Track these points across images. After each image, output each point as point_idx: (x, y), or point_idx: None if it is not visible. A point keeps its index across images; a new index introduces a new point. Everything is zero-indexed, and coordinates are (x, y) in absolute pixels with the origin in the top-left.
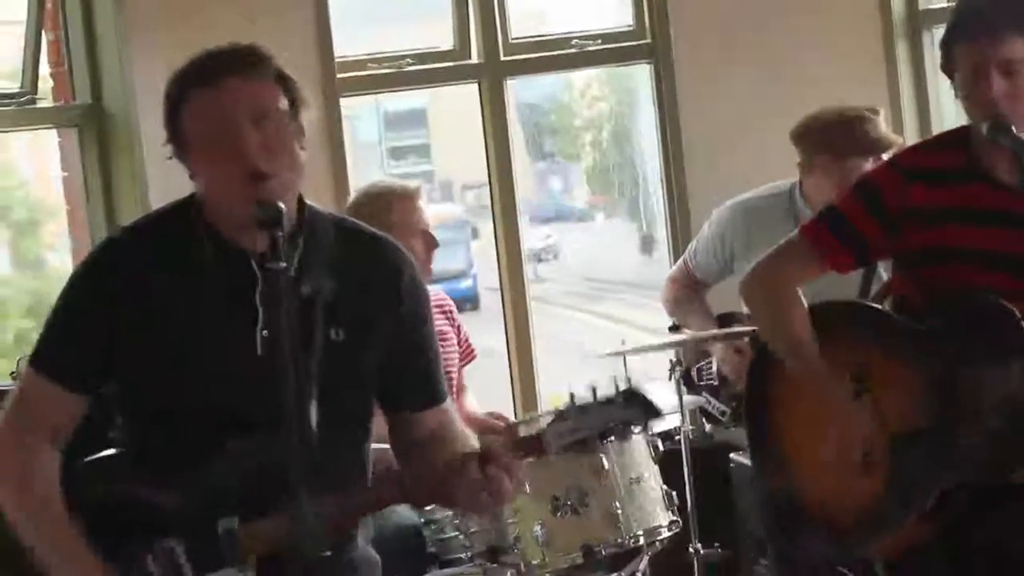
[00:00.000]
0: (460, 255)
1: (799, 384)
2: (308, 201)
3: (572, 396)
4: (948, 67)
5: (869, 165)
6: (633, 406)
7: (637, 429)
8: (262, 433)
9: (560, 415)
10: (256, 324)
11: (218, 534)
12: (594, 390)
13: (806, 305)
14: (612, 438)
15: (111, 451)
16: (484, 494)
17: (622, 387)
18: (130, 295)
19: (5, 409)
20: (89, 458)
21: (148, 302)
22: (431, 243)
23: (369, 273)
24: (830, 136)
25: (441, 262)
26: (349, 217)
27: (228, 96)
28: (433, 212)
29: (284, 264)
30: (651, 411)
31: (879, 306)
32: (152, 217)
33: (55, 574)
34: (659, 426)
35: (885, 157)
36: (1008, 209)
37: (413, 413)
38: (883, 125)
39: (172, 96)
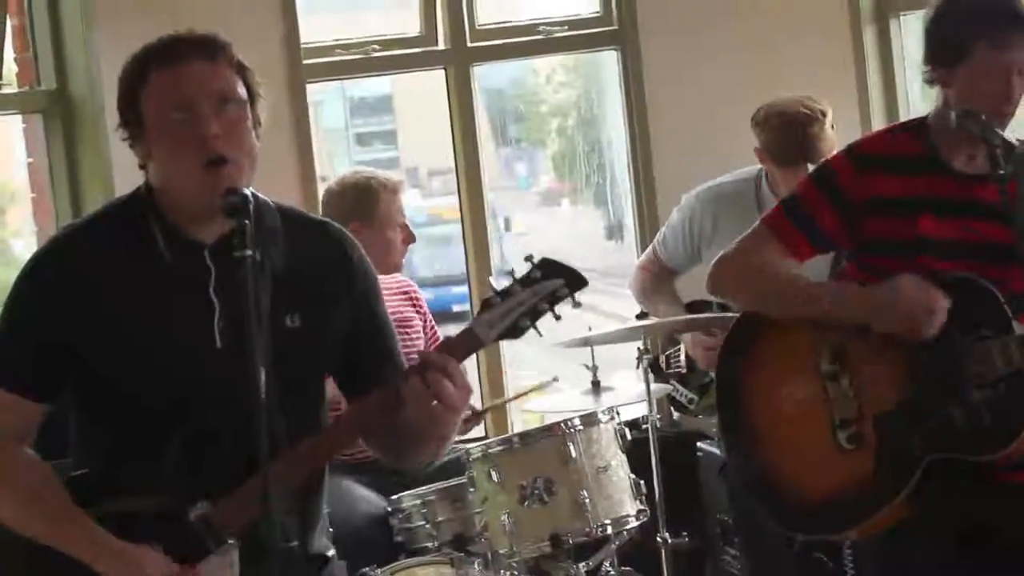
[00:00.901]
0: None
1: (773, 367)
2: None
3: (492, 285)
4: (950, 57)
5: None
6: (554, 275)
7: (564, 302)
8: (223, 425)
9: (486, 304)
10: (213, 317)
11: (193, 524)
12: (512, 272)
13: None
14: (543, 314)
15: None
16: (434, 403)
17: (536, 260)
18: (78, 295)
19: None
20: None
21: (99, 300)
22: (409, 237)
23: (318, 258)
24: (770, 143)
25: (448, 263)
26: (287, 205)
27: (191, 78)
28: (444, 204)
29: (250, 252)
30: (573, 278)
31: None
32: (97, 214)
33: (68, 550)
34: (605, 402)
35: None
36: (969, 198)
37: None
38: (824, 129)
39: (131, 77)
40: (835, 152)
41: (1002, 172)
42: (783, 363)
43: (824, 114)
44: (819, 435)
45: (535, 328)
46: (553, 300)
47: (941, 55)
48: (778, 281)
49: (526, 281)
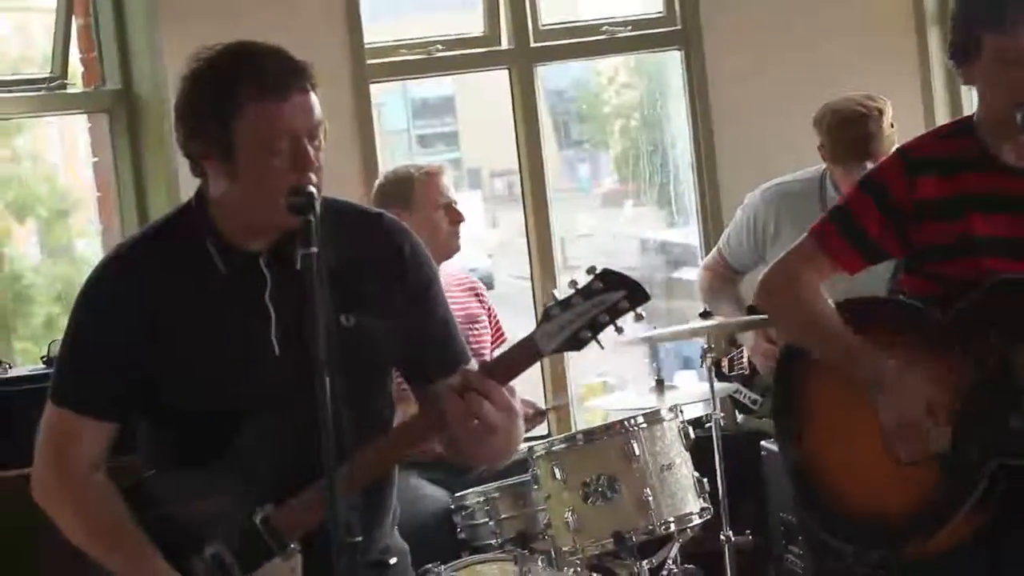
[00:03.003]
0: None
1: (832, 384)
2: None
3: (554, 295)
4: (967, 54)
5: (867, 168)
6: (616, 288)
7: (626, 315)
8: (285, 429)
9: (546, 315)
10: (269, 324)
11: (256, 527)
12: (574, 283)
13: (830, 301)
14: (604, 327)
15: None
16: (475, 422)
17: (598, 271)
18: (137, 316)
19: (39, 451)
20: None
21: (158, 319)
22: (456, 216)
23: (370, 252)
24: (828, 141)
25: None
26: (340, 198)
27: (294, 113)
28: None
29: (316, 249)
30: (635, 290)
31: (906, 298)
32: (150, 229)
33: None
34: (669, 400)
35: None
36: (1022, 193)
37: (439, 382)
38: (881, 126)
39: (218, 96)
40: (884, 158)
41: None
42: (839, 374)
43: (881, 111)
44: (877, 448)
45: (596, 341)
46: (614, 313)
47: (960, 54)
48: (808, 319)
49: (587, 292)
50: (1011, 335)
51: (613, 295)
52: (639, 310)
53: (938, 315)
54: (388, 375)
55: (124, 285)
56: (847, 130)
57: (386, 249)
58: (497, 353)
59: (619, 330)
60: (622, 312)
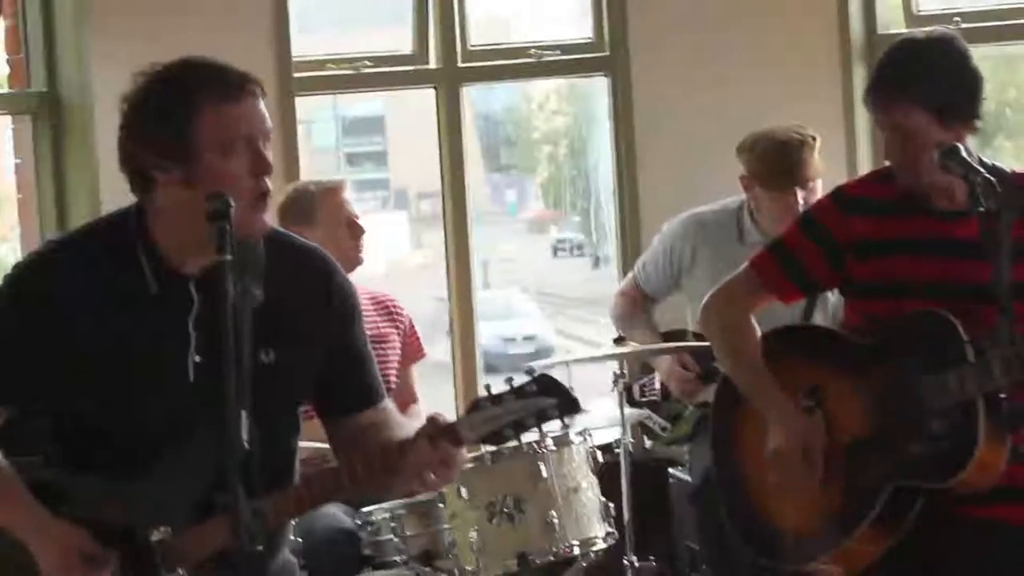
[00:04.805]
0: None
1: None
2: None
3: (488, 387)
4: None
5: (797, 195)
6: (549, 395)
7: (555, 422)
8: (190, 456)
9: (475, 405)
10: (188, 350)
11: (151, 546)
12: (510, 379)
13: (758, 333)
14: (529, 429)
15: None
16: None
17: (536, 374)
18: (54, 321)
19: None
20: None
21: (75, 328)
22: (357, 230)
23: (299, 289)
24: (759, 167)
25: None
26: (276, 228)
27: (252, 113)
28: None
29: (231, 257)
30: (567, 401)
31: (828, 327)
32: (84, 232)
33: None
34: (579, 424)
35: (812, 186)
36: (947, 237)
37: (352, 415)
38: (813, 155)
39: (177, 99)
40: (822, 197)
41: (982, 209)
42: (765, 404)
43: (814, 139)
44: (799, 467)
45: (517, 439)
46: (542, 418)
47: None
48: (733, 346)
49: (520, 393)
50: (920, 364)
51: (544, 401)
52: (567, 419)
53: (855, 341)
54: (298, 407)
55: (46, 288)
56: (781, 156)
57: (313, 288)
58: (412, 368)
59: (542, 435)
60: (549, 419)
